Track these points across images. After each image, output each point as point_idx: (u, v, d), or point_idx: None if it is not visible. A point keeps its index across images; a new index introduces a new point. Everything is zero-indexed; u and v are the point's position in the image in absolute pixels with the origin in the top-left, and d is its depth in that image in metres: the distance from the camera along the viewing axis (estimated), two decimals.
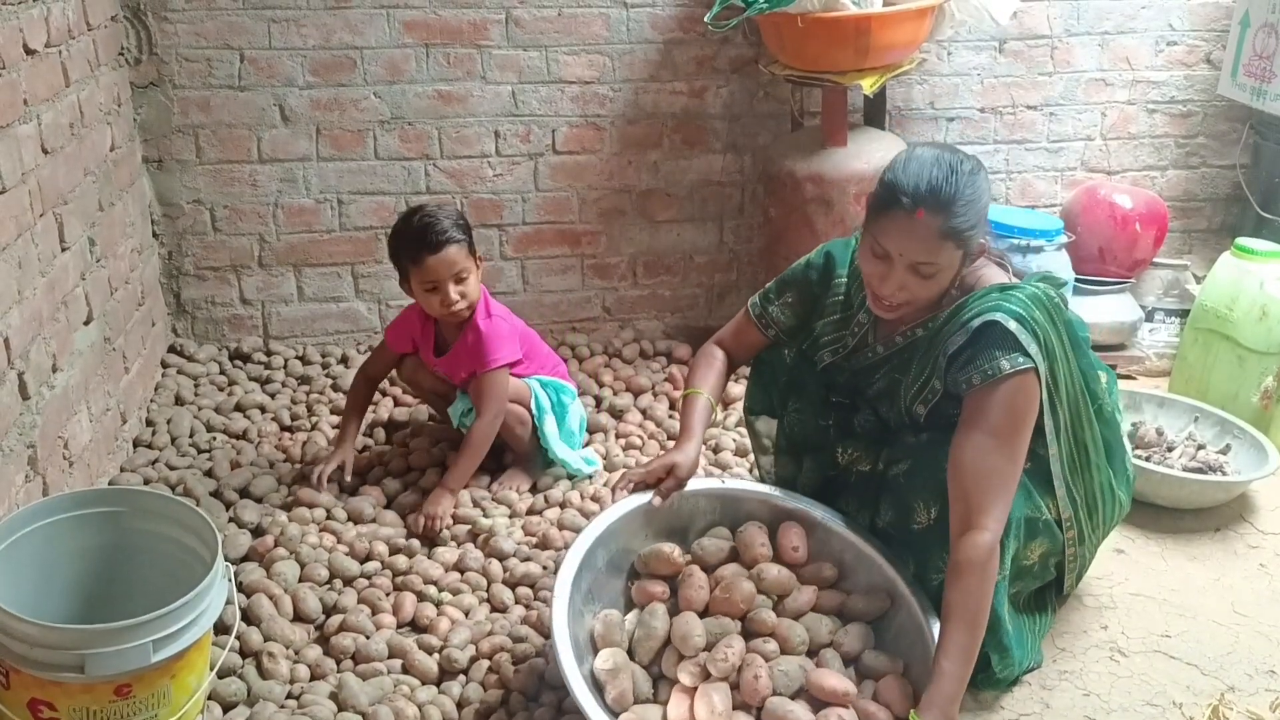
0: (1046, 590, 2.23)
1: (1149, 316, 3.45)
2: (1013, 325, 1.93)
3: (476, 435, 2.61)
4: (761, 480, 2.49)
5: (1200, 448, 2.78)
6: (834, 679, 1.94)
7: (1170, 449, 2.78)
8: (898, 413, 2.17)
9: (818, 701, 1.93)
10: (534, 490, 2.71)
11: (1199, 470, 2.68)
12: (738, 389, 3.13)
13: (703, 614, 2.06)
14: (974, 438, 1.91)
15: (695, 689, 1.93)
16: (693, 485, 2.23)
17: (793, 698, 1.93)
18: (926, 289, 1.99)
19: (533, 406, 2.71)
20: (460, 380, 2.74)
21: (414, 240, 2.55)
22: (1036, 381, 1.93)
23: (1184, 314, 3.33)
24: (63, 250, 2.46)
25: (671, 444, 2.87)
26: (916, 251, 1.93)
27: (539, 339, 2.90)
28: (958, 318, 2.00)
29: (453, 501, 2.57)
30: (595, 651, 1.97)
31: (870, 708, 1.91)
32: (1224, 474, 2.69)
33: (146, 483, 2.66)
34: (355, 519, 2.56)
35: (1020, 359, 1.92)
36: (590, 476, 2.76)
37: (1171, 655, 2.20)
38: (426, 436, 2.88)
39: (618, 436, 2.95)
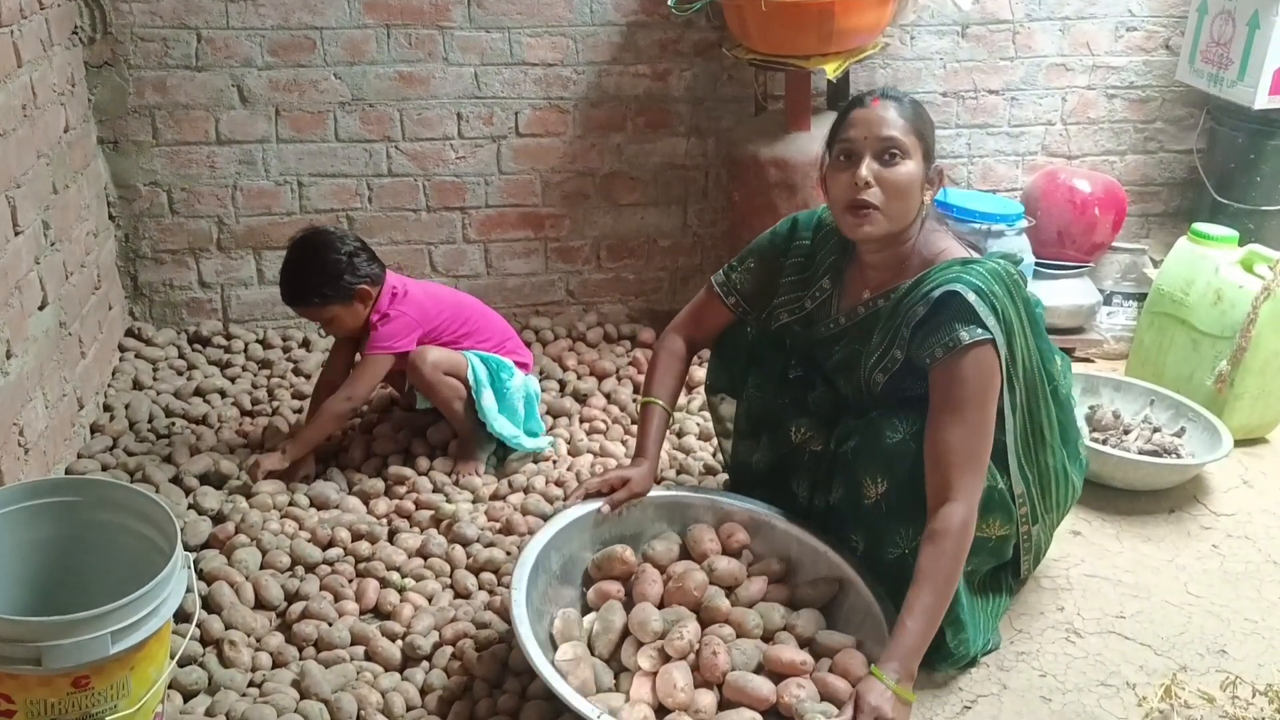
0: (1002, 572, 2.26)
1: (1107, 300, 3.49)
2: (971, 297, 1.97)
3: (326, 408, 2.65)
4: (724, 464, 2.52)
5: (1156, 430, 2.82)
6: (791, 652, 1.99)
7: (1126, 431, 2.82)
8: (856, 384, 2.20)
9: (777, 677, 1.96)
10: (498, 475, 2.71)
11: (1154, 453, 2.73)
12: (702, 372, 3.15)
13: (659, 607, 2.10)
14: (942, 416, 1.97)
15: (656, 673, 1.95)
16: None
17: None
18: (895, 186, 2.02)
19: (469, 379, 2.70)
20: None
21: (280, 284, 2.65)
22: (995, 353, 1.97)
23: (1141, 298, 3.37)
24: (16, 234, 2.42)
25: (635, 428, 2.90)
26: (880, 127, 2.03)
27: (485, 313, 2.88)
28: (919, 289, 2.05)
29: (281, 463, 2.58)
30: (555, 648, 1.98)
31: (829, 678, 1.94)
32: (1178, 456, 2.74)
33: (105, 469, 2.63)
34: (318, 505, 2.55)
35: (979, 330, 1.96)
36: (538, 452, 2.76)
37: (1125, 636, 2.24)
38: (390, 423, 2.86)
39: (582, 421, 2.95)
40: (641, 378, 3.14)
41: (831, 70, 3.01)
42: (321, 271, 2.59)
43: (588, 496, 2.22)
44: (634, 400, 3.05)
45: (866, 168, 2.03)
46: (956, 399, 1.96)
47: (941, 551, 1.90)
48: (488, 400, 2.71)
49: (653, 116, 3.43)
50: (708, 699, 1.92)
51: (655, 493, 2.29)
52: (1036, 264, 3.34)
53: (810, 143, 3.10)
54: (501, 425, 2.72)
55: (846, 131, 2.07)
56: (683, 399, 3.05)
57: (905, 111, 2.05)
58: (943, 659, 2.09)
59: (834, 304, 2.24)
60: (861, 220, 2.05)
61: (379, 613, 2.25)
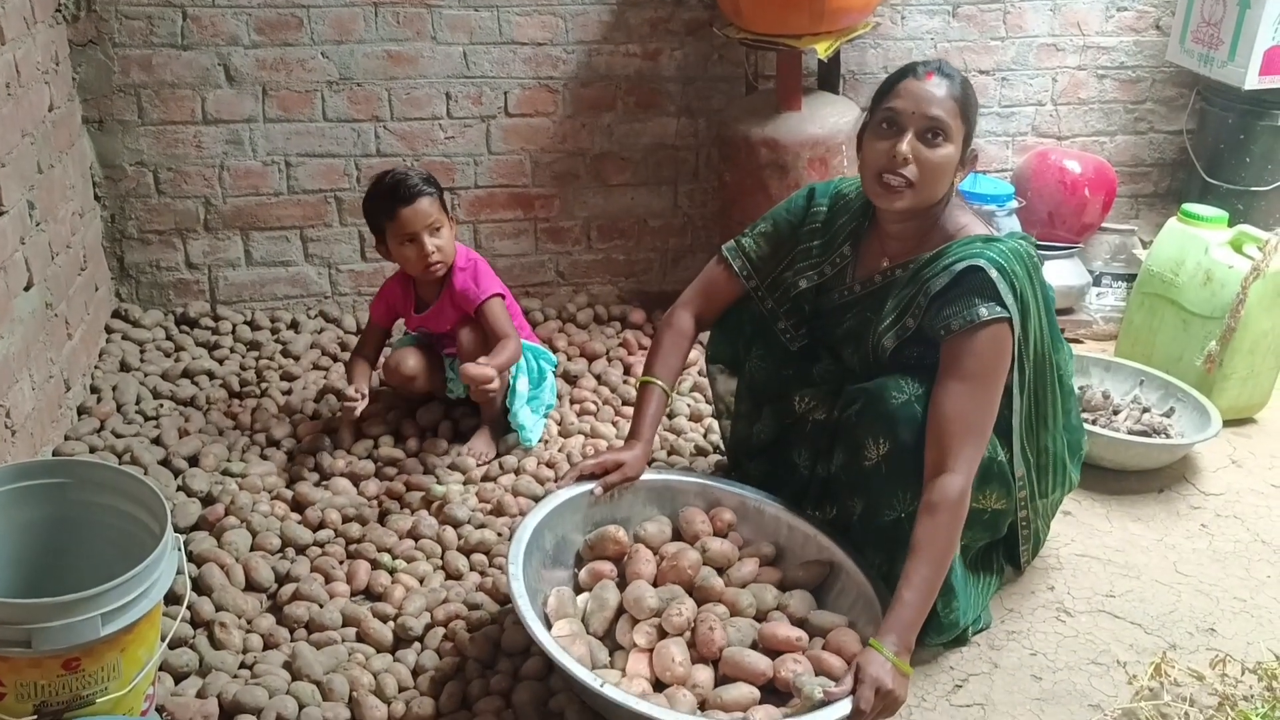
0: (993, 551, 2.27)
1: (1097, 281, 3.50)
2: (994, 274, 1.97)
3: (510, 344, 2.62)
4: (722, 436, 2.53)
5: (1145, 411, 2.83)
6: (786, 628, 2.00)
7: (1116, 412, 2.83)
8: (863, 353, 2.20)
9: (772, 653, 1.97)
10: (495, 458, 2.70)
11: (1143, 433, 2.73)
12: (693, 353, 3.14)
13: (652, 585, 2.09)
14: (949, 385, 1.97)
15: (652, 649, 1.96)
16: None
17: None
18: (932, 166, 2.01)
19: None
20: (446, 328, 2.74)
21: (387, 194, 2.61)
22: (1010, 332, 1.98)
23: (1131, 278, 3.38)
24: (1, 214, 2.39)
25: (626, 410, 2.90)
26: (929, 105, 2.00)
27: (519, 308, 2.90)
28: (940, 261, 2.05)
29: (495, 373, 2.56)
30: (550, 626, 1.98)
31: (823, 655, 1.95)
32: (1168, 436, 2.75)
33: (92, 451, 2.61)
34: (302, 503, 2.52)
35: (997, 308, 1.96)
36: (530, 447, 2.74)
37: (1116, 615, 2.25)
38: (381, 403, 2.85)
39: (572, 402, 2.94)
40: (632, 359, 3.15)
41: (823, 50, 2.99)
42: (428, 178, 2.64)
43: (581, 478, 2.21)
44: (625, 381, 3.04)
45: (908, 143, 2.01)
46: (966, 371, 1.96)
47: (938, 523, 1.90)
48: (523, 385, 2.72)
49: (643, 96, 3.41)
50: (704, 674, 1.93)
51: (646, 476, 2.29)
52: None
53: (801, 123, 3.09)
54: (525, 416, 2.73)
55: (894, 100, 2.04)
56: (673, 399, 3.03)
57: (955, 91, 2.03)
58: (934, 629, 2.09)
59: (850, 271, 2.24)
60: (891, 194, 2.04)
61: (370, 594, 2.24)
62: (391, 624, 2.14)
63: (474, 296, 2.66)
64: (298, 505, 2.47)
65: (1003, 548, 2.27)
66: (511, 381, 2.71)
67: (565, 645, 1.89)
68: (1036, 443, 2.15)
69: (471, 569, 2.31)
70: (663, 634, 1.99)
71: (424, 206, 2.59)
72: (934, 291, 2.03)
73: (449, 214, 2.68)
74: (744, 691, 1.89)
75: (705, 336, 2.51)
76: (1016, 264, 2.01)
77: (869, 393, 2.12)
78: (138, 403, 2.85)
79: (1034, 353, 2.07)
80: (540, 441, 2.76)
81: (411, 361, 2.74)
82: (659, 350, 2.35)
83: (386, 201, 2.60)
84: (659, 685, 1.92)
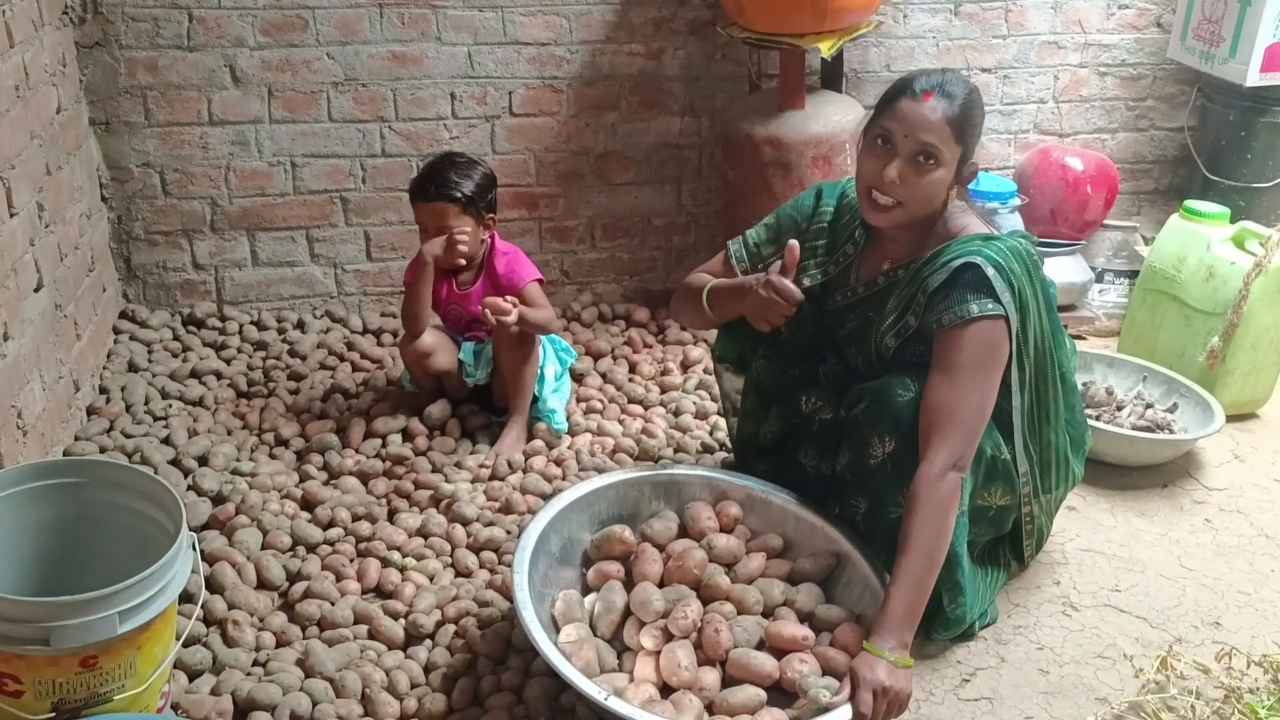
0: (999, 546, 2.28)
1: (1099, 277, 3.51)
2: (990, 271, 1.99)
3: (546, 312, 2.72)
4: (730, 435, 2.54)
5: (1148, 406, 2.85)
6: (792, 627, 2.01)
7: (1119, 408, 2.85)
8: (867, 352, 2.22)
9: (779, 653, 1.98)
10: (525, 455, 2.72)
11: (1147, 428, 2.75)
12: (698, 351, 3.16)
13: (659, 586, 2.11)
14: (934, 378, 1.99)
15: (659, 652, 1.97)
16: (635, 474, 2.30)
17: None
18: (921, 189, 2.03)
19: (539, 351, 2.77)
20: (479, 311, 2.74)
21: (416, 183, 2.74)
22: (1005, 330, 1.99)
23: (1133, 275, 3.39)
24: (11, 216, 2.41)
25: (632, 408, 2.92)
26: (922, 129, 2.00)
27: None
28: (939, 258, 2.06)
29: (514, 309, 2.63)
30: (558, 630, 1.99)
31: (830, 652, 1.96)
32: (1171, 432, 2.76)
33: (102, 451, 2.62)
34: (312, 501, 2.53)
35: (990, 305, 1.97)
36: (559, 434, 2.78)
37: (1121, 609, 2.27)
38: (388, 402, 2.86)
39: (578, 400, 2.96)
40: (637, 357, 3.16)
41: (826, 49, 3.01)
42: (478, 178, 2.70)
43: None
44: (630, 379, 3.05)
45: (896, 168, 2.01)
46: (951, 363, 1.98)
47: (916, 514, 1.91)
48: (550, 372, 2.79)
49: (647, 95, 3.42)
50: (711, 677, 1.94)
51: (651, 472, 2.31)
52: None
53: (805, 121, 3.10)
54: (555, 402, 2.79)
55: (889, 120, 2.04)
56: (678, 378, 3.06)
57: (953, 112, 2.01)
58: (940, 625, 2.11)
59: (853, 273, 2.25)
60: (880, 212, 2.07)
61: (381, 592, 2.25)
62: (402, 621, 2.15)
63: (517, 280, 2.74)
64: (307, 504, 2.48)
65: (1008, 542, 2.29)
66: (540, 369, 2.76)
67: (572, 651, 1.90)
68: (1039, 439, 2.17)
69: (481, 566, 2.32)
70: (669, 636, 2.00)
71: (438, 209, 2.68)
72: (932, 288, 2.05)
73: (484, 219, 2.72)
74: (750, 694, 1.90)
75: (713, 335, 2.53)
76: (1015, 262, 2.03)
77: (874, 391, 2.13)
78: (146, 403, 2.86)
79: (1034, 350, 2.09)
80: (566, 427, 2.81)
81: (430, 339, 2.77)
82: (693, 282, 2.37)
83: (412, 188, 2.74)
84: (666, 689, 1.93)
